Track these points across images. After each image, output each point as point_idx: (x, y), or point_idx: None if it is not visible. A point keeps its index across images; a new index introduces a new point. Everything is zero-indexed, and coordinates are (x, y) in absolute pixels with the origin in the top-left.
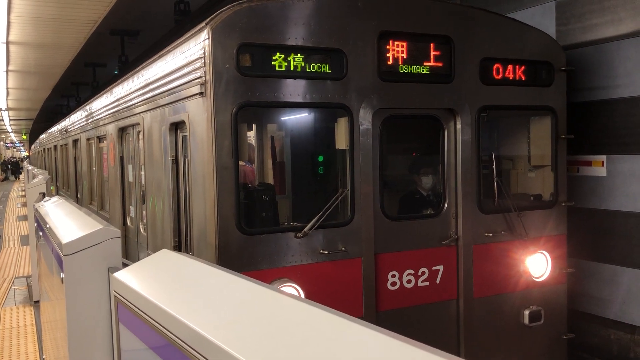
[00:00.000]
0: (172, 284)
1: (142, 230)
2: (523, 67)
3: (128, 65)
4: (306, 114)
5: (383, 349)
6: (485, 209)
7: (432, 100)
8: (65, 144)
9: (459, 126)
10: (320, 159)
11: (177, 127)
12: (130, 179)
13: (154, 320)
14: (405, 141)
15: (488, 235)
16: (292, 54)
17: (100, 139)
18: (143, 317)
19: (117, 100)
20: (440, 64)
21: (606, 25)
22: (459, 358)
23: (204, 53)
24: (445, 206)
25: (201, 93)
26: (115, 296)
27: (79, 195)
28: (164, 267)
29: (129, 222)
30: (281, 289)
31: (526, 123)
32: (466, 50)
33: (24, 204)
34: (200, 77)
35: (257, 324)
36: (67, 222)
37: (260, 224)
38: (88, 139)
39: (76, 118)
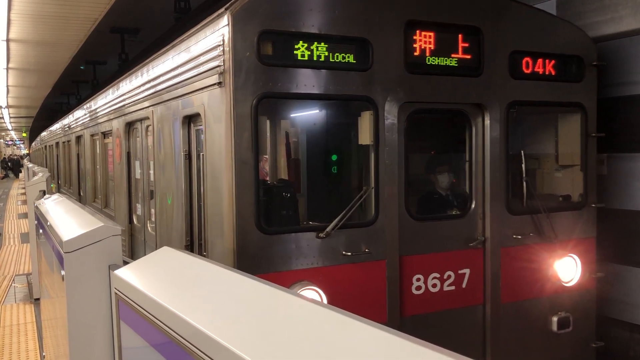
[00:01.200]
0: (173, 281)
1: (149, 228)
2: (553, 62)
3: (128, 63)
4: (327, 107)
5: (382, 346)
6: (514, 210)
7: (459, 94)
8: (68, 141)
9: (487, 122)
10: (341, 155)
11: (190, 120)
12: (138, 175)
13: (155, 318)
14: (429, 137)
15: (516, 237)
16: (316, 43)
17: (105, 134)
18: (144, 314)
19: (124, 94)
20: (468, 57)
21: (607, 23)
22: (464, 357)
23: (223, 40)
24: (472, 206)
25: (219, 83)
26: (115, 293)
27: (81, 193)
28: (164, 265)
29: (135, 220)
30: (302, 292)
31: (553, 120)
32: (495, 42)
33: (24, 202)
34: (218, 66)
35: (258, 321)
36: (68, 219)
37: (280, 223)
38: (92, 135)
39: (79, 114)
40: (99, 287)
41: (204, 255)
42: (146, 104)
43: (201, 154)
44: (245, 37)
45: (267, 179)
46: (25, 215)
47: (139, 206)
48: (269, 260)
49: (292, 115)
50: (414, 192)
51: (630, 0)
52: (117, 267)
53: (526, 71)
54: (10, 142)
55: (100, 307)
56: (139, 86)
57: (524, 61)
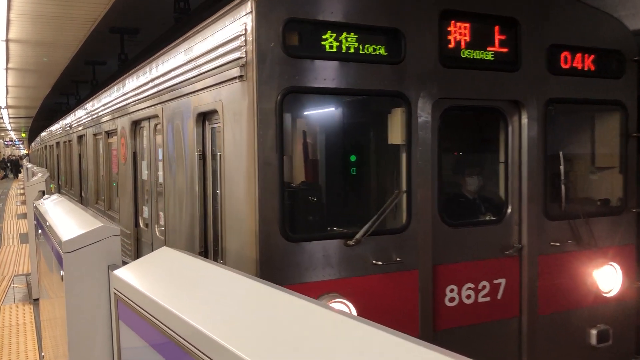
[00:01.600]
0: (172, 282)
1: (157, 232)
2: (592, 56)
3: (128, 62)
4: (354, 103)
5: (381, 346)
6: (551, 215)
7: (496, 90)
8: (69, 141)
9: (524, 121)
10: (368, 155)
11: (205, 118)
12: (145, 176)
13: (154, 318)
14: (461, 137)
15: (554, 244)
16: (345, 33)
17: (109, 134)
18: (143, 314)
19: (131, 91)
20: (505, 50)
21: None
22: (463, 357)
23: (245, 30)
24: (509, 211)
25: (240, 77)
26: (115, 294)
27: (83, 194)
28: (164, 265)
29: (141, 224)
30: (330, 305)
31: (588, 119)
32: (533, 35)
33: (24, 202)
34: (239, 58)
35: (257, 321)
36: (67, 219)
37: (306, 229)
38: (95, 135)
39: (82, 113)
40: (98, 287)
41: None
42: (155, 101)
43: (218, 154)
44: (269, 26)
45: (290, 181)
46: (24, 216)
47: (145, 209)
48: (294, 271)
49: (316, 112)
50: (445, 195)
51: None
52: (117, 267)
53: (564, 66)
54: (9, 143)
55: (100, 307)
56: (147, 82)
57: (562, 55)
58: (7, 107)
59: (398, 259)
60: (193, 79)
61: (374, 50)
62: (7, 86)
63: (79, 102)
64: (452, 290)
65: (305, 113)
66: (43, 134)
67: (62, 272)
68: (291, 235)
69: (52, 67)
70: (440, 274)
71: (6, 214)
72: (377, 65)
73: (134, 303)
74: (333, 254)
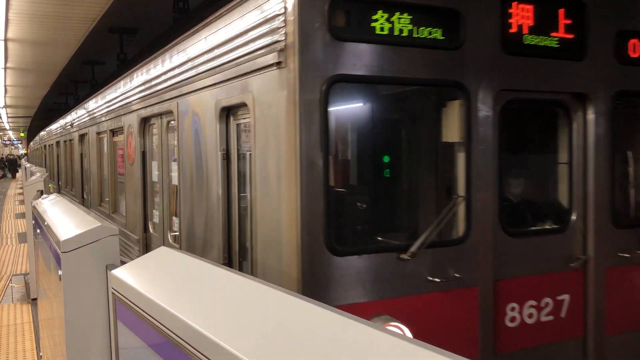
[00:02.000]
0: (170, 282)
1: (170, 239)
2: None
3: (134, 57)
4: (404, 95)
5: (381, 346)
6: (620, 222)
7: (560, 81)
8: (70, 140)
9: (590, 116)
10: (420, 155)
11: (229, 113)
12: (155, 178)
13: (152, 318)
14: (521, 134)
15: (623, 255)
16: (397, 14)
17: (114, 132)
18: (141, 314)
19: (139, 86)
20: (570, 36)
21: None
22: (462, 358)
23: (285, 8)
24: (573, 218)
25: (278, 63)
26: (113, 293)
27: (85, 196)
28: (162, 265)
29: (151, 229)
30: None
31: None
32: (601, 19)
33: (22, 202)
34: (277, 41)
35: (255, 321)
36: (65, 219)
37: (355, 241)
38: (98, 133)
39: (84, 110)
40: (96, 287)
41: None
42: (169, 95)
43: (246, 153)
44: (314, 4)
45: (337, 185)
46: (22, 215)
47: (156, 213)
48: (341, 290)
49: (364, 105)
50: (504, 201)
51: None
52: (115, 267)
53: (633, 55)
54: (8, 142)
55: (98, 307)
56: (159, 76)
57: (630, 43)
58: (6, 106)
59: (456, 275)
60: (216, 70)
61: (430, 33)
62: (5, 85)
63: (79, 100)
64: (513, 309)
65: (351, 106)
66: (42, 133)
67: (60, 272)
68: (338, 248)
69: (50, 66)
70: (501, 290)
71: (4, 214)
72: (433, 50)
73: (132, 303)
74: (384, 269)
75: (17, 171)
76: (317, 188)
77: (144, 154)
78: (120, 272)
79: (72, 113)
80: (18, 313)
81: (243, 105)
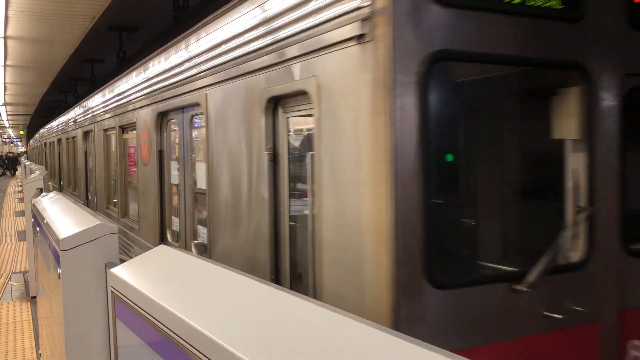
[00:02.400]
0: (169, 280)
1: (195, 250)
2: None
3: (126, 61)
4: (510, 78)
5: (380, 345)
6: None
7: None
8: (73, 137)
9: None
10: (531, 154)
11: (278, 104)
12: (175, 180)
13: (151, 316)
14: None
15: None
16: None
17: (123, 129)
18: (139, 312)
19: (156, 76)
20: None
21: None
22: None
23: None
24: None
25: (360, 36)
26: (112, 292)
27: (90, 197)
28: (160, 263)
29: (169, 238)
30: None
31: None
32: None
33: (21, 200)
34: (360, 7)
35: (253, 320)
36: (65, 217)
37: (462, 269)
38: (105, 130)
39: (88, 106)
40: (95, 285)
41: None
42: (195, 85)
43: (305, 153)
44: None
45: (439, 196)
46: (22, 213)
47: (176, 220)
48: (444, 331)
49: (469, 90)
50: (625, 213)
51: None
52: (114, 265)
53: None
54: (7, 140)
55: (97, 305)
56: (182, 63)
57: None
58: (5, 104)
59: (577, 308)
60: (261, 51)
61: (546, 1)
62: (5, 83)
63: (79, 98)
64: (636, 347)
65: (456, 92)
66: (42, 130)
67: (59, 270)
68: (441, 279)
69: (50, 64)
70: (625, 325)
71: (4, 212)
72: (549, 22)
73: (131, 301)
74: (495, 304)
75: (16, 169)
76: (415, 201)
77: (160, 153)
78: (119, 271)
79: (76, 109)
80: (17, 311)
81: (300, 94)
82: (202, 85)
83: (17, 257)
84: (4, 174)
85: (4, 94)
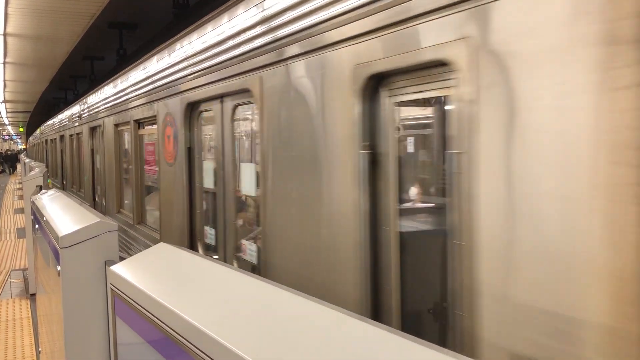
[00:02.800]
0: (169, 278)
1: (237, 266)
2: None
3: (126, 58)
4: None
5: (380, 344)
6: None
7: None
8: (77, 133)
9: None
10: None
11: (381, 83)
12: (209, 184)
13: (151, 314)
14: None
15: None
16: None
17: (140, 123)
18: (140, 310)
19: (186, 59)
20: None
21: None
22: (464, 357)
23: None
24: None
25: None
26: (111, 289)
27: (97, 199)
28: (161, 261)
29: (200, 250)
30: None
31: None
32: None
33: (21, 197)
34: None
35: (253, 318)
36: (64, 215)
37: None
38: (117, 125)
39: (96, 99)
40: (95, 282)
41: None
42: (243, 67)
43: (430, 150)
44: None
45: None
46: (21, 210)
47: (210, 230)
48: None
49: None
50: None
51: None
52: (113, 262)
53: None
54: (7, 137)
55: (96, 303)
56: (225, 40)
57: None
58: (5, 101)
59: None
60: (360, 11)
61: None
62: (4, 80)
63: (78, 96)
64: None
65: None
66: (43, 126)
67: (59, 268)
68: None
69: (50, 61)
70: None
71: (3, 209)
72: None
73: (131, 299)
74: None
75: (15, 167)
76: None
77: (190, 151)
78: (119, 268)
79: (82, 102)
80: (17, 308)
81: (430, 66)
82: (254, 67)
83: (16, 254)
84: (3, 171)
85: (4, 92)
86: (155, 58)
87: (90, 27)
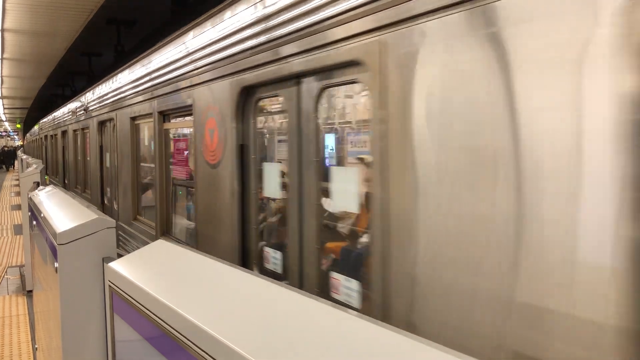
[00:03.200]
0: (167, 275)
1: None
2: None
3: (124, 55)
4: None
5: (380, 342)
6: None
7: None
8: (82, 128)
9: None
10: None
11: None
12: (273, 192)
13: (149, 311)
14: None
15: None
16: None
17: (165, 115)
18: (138, 307)
19: (240, 30)
20: None
21: None
22: (466, 357)
23: None
24: None
25: None
26: (109, 286)
27: (106, 202)
28: (159, 258)
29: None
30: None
31: None
32: None
33: (18, 193)
34: None
35: (252, 315)
36: (62, 211)
37: None
38: (134, 119)
39: (106, 89)
40: (92, 279)
41: None
42: (353, 29)
43: None
44: None
45: None
46: (18, 207)
47: (273, 254)
48: None
49: None
50: None
51: None
52: (111, 259)
53: None
54: (4, 134)
55: (94, 300)
56: (298, 3)
57: None
58: (2, 97)
59: None
60: None
61: None
62: (2, 76)
63: (75, 93)
64: None
65: None
66: (43, 121)
67: (56, 264)
68: None
69: (47, 57)
70: None
71: (0, 205)
72: None
73: (129, 296)
74: None
75: (12, 164)
76: None
77: (242, 149)
78: (116, 265)
79: (88, 94)
80: (13, 305)
81: None
82: (373, 27)
83: (13, 251)
84: (0, 167)
85: (1, 87)
86: (190, 34)
87: (88, 23)
